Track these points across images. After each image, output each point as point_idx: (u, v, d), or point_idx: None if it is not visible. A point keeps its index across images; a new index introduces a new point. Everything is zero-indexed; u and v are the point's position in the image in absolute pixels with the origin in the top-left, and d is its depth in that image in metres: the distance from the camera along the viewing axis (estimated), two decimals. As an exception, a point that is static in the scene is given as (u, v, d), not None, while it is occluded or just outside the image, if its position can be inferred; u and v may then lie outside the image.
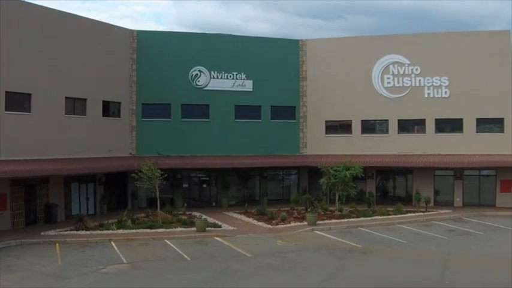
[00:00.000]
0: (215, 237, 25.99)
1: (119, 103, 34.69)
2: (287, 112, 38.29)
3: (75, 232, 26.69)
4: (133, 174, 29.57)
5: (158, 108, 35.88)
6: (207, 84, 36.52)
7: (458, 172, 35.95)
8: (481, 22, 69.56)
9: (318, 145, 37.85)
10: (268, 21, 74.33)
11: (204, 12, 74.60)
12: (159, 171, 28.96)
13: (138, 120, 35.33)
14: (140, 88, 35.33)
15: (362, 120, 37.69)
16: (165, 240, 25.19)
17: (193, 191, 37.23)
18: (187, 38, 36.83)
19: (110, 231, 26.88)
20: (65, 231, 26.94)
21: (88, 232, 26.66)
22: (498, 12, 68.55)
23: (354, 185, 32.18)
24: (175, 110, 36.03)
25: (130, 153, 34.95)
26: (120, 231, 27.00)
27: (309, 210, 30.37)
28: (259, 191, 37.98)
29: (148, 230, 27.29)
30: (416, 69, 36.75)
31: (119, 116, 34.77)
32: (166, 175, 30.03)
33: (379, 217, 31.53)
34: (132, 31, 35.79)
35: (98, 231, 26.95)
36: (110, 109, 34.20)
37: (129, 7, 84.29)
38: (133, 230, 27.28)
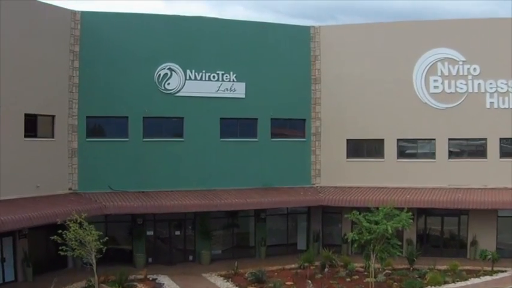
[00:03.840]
0: None
1: (52, 117, 24.99)
2: (294, 127, 29.52)
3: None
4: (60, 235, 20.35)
5: (110, 124, 26.84)
6: (181, 89, 27.02)
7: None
8: None
9: (336, 173, 28.71)
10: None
11: (195, 12, 74.10)
12: (95, 231, 19.90)
13: (81, 141, 25.78)
14: (84, 95, 25.73)
15: (398, 140, 28.60)
16: None
17: (160, 241, 27.69)
18: (154, 23, 27.11)
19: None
20: None
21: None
22: (490, 13, 69.71)
23: (399, 243, 22.96)
24: (135, 125, 26.49)
25: (70, 189, 25.43)
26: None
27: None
28: (254, 236, 28.72)
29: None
30: (475, 69, 27.74)
31: (51, 135, 25.12)
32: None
33: (433, 290, 22.56)
34: (73, 12, 26.00)
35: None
36: (37, 126, 24.54)
37: (121, 7, 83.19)
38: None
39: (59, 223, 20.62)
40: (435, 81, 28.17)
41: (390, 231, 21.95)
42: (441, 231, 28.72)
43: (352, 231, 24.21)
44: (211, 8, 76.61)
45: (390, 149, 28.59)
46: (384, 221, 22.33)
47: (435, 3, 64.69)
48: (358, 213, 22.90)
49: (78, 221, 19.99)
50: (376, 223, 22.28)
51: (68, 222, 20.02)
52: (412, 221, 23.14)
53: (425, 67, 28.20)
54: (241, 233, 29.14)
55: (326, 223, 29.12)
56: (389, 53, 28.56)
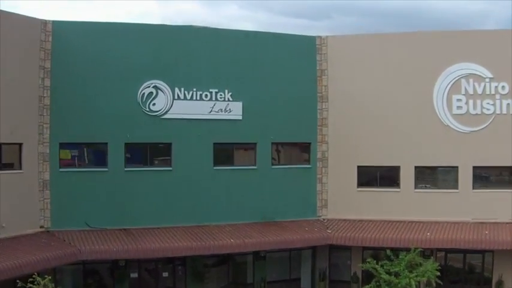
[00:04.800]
0: None
1: (19, 145, 21.78)
2: (297, 152, 26.30)
3: None
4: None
5: (87, 151, 23.60)
6: (168, 110, 23.79)
7: None
8: (471, 22, 69.95)
9: (345, 204, 25.59)
10: (253, 21, 76.17)
11: (188, 11, 75.24)
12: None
13: (53, 172, 22.59)
14: (57, 118, 22.51)
15: (416, 167, 25.43)
16: None
17: (146, 284, 24.44)
18: (137, 33, 23.82)
19: None
20: None
21: None
22: (485, 12, 68.11)
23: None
24: (116, 153, 23.29)
25: (42, 227, 22.33)
26: None
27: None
28: (252, 273, 25.60)
29: None
30: (503, 87, 24.68)
31: (19, 166, 21.93)
32: None
33: None
34: (43, 21, 22.71)
35: None
36: (1, 156, 21.25)
37: (114, 7, 79.53)
38: None
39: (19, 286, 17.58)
40: (458, 100, 25.03)
41: (413, 284, 19.12)
42: (463, 269, 25.65)
43: (362, 264, 22.03)
44: (204, 7, 76.07)
45: (407, 177, 25.42)
46: (406, 272, 19.53)
47: (433, 3, 63.38)
48: (374, 261, 20.06)
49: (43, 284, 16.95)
50: (397, 275, 19.48)
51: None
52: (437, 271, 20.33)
53: (448, 84, 25.05)
54: (238, 269, 26.00)
55: (333, 259, 26.04)
56: (407, 67, 25.38)
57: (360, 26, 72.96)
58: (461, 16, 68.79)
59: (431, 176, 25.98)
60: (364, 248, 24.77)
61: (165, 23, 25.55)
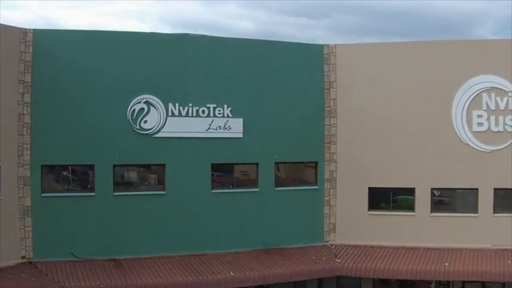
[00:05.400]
0: None
1: (-4, 168, 19.94)
2: (303, 172, 24.17)
3: None
4: None
5: (72, 174, 21.45)
6: (161, 128, 21.70)
7: None
8: (468, 21, 72.08)
9: (355, 229, 23.59)
10: (252, 19, 78.74)
11: (186, 10, 77.29)
12: None
13: (35, 197, 20.51)
14: (38, 138, 20.44)
15: (433, 189, 23.45)
16: None
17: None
18: (126, 43, 21.63)
19: None
20: None
21: None
22: (484, 10, 70.08)
23: None
24: (103, 175, 21.21)
25: (24, 258, 20.32)
26: None
27: None
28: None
29: None
30: (529, 102, 22.71)
31: (-4, 192, 19.96)
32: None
33: None
34: (23, 31, 20.54)
35: None
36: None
37: (113, 5, 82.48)
38: None
39: None
40: (479, 116, 23.00)
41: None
42: (483, 298, 24.03)
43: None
44: (203, 6, 76.62)
45: (422, 200, 23.42)
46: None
47: (432, 3, 64.52)
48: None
49: None
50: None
51: None
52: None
53: (468, 99, 23.01)
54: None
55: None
56: (423, 80, 23.32)
57: (358, 25, 74.41)
58: (460, 14, 70.11)
59: (448, 199, 24.06)
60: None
61: (156, 31, 22.98)
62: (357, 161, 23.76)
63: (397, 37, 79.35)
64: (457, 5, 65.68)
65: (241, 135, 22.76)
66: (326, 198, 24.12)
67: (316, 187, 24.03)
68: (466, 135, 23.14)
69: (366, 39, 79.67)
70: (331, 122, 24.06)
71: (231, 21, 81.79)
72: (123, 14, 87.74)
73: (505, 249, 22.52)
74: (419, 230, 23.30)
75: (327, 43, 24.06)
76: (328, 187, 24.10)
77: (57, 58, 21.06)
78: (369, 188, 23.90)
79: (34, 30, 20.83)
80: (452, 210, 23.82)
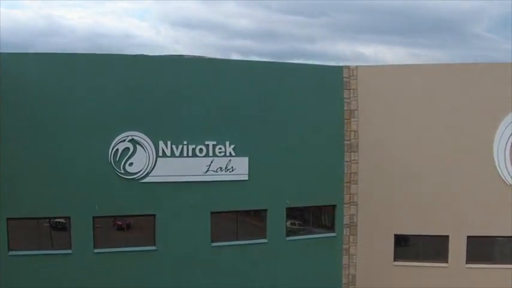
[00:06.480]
0: None
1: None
2: (319, 218, 21.03)
3: None
4: None
5: (44, 229, 17.95)
6: (150, 171, 18.42)
7: None
8: (464, 19, 76.75)
9: (378, 282, 20.55)
10: (250, 18, 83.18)
11: (186, 8, 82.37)
12: None
13: (1, 256, 17.16)
14: (4, 186, 17.14)
15: (469, 238, 20.29)
16: None
17: None
18: (108, 67, 18.12)
19: None
20: None
21: None
22: (479, 9, 74.92)
23: None
24: (81, 230, 17.91)
25: (-13, 329, 17.25)
26: None
27: None
28: None
29: None
30: None
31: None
32: None
33: None
34: (-15, 56, 17.15)
35: None
36: None
37: (113, 4, 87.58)
38: None
39: None
40: (526, 153, 19.94)
41: None
42: None
43: None
44: (201, 4, 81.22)
45: (457, 250, 20.37)
46: None
47: (429, 3, 67.14)
48: None
49: None
50: None
51: None
52: None
53: (511, 133, 20.00)
54: None
55: None
56: (460, 110, 20.03)
57: (357, 24, 76.27)
58: (455, 13, 72.71)
59: (487, 249, 21.01)
60: None
61: (143, 53, 19.86)
62: (381, 203, 20.63)
63: (394, 35, 79.33)
64: (452, 3, 68.11)
65: (246, 178, 19.55)
66: (345, 246, 21.05)
67: (333, 234, 20.87)
68: (510, 174, 19.95)
69: (364, 36, 79.59)
70: (352, 158, 20.82)
71: (229, 19, 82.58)
72: (124, 13, 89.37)
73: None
74: (452, 283, 20.19)
75: (347, 65, 20.53)
76: (348, 234, 20.99)
77: (26, 86, 17.61)
78: (395, 235, 20.80)
79: (0, 53, 17.36)
80: (491, 261, 20.73)
